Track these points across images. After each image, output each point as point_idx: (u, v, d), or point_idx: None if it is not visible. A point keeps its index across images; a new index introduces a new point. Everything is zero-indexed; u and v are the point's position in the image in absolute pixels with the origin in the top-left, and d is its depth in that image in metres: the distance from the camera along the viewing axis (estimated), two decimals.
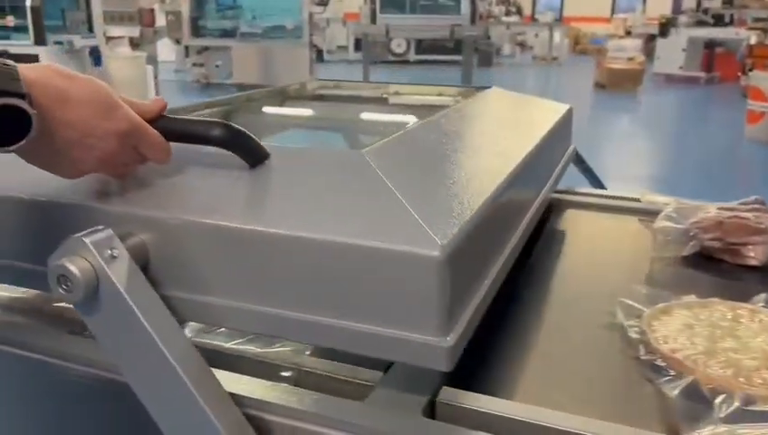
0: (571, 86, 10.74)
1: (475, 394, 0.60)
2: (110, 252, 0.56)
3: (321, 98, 1.36)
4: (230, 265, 0.59)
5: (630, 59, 9.67)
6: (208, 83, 9.05)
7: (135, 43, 7.68)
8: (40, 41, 6.27)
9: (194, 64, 9.17)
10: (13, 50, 5.95)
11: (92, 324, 0.57)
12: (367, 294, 0.55)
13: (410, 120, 0.88)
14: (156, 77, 7.70)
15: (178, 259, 0.60)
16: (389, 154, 0.70)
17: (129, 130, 0.60)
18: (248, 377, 0.63)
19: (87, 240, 0.55)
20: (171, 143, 0.64)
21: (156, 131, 0.63)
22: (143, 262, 0.60)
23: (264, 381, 0.62)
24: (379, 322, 0.55)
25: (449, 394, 0.60)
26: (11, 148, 0.54)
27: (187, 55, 9.44)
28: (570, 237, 1.11)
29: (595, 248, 1.08)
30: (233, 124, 0.65)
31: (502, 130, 1.03)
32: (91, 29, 6.74)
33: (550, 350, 0.74)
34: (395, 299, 0.54)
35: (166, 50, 9.80)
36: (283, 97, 1.31)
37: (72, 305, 0.56)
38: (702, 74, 10.36)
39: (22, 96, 0.52)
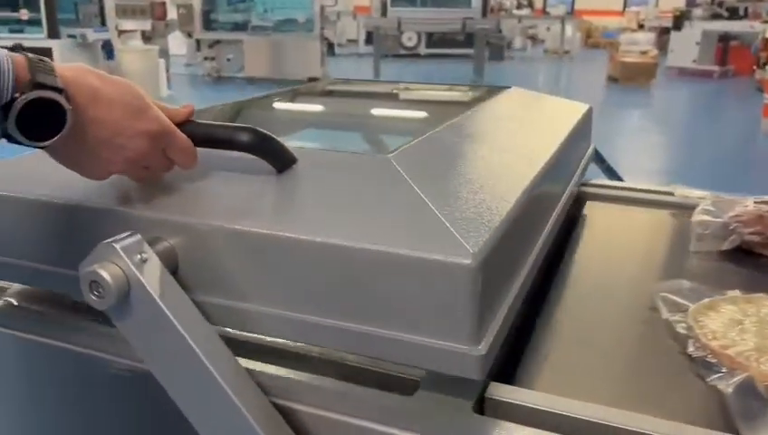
0: (584, 80, 10.66)
1: (525, 390, 0.59)
2: (140, 257, 0.56)
3: (342, 97, 1.35)
4: (260, 270, 0.58)
5: (643, 52, 9.57)
6: (219, 77, 9.06)
7: (147, 37, 7.70)
8: (53, 34, 6.31)
9: (205, 58, 9.17)
10: (26, 43, 5.98)
11: (125, 329, 0.57)
12: (397, 302, 0.54)
13: (434, 121, 0.87)
14: (167, 70, 7.72)
15: (208, 264, 0.60)
16: (416, 158, 0.70)
17: (159, 131, 0.60)
18: (290, 370, 0.62)
19: (117, 246, 0.55)
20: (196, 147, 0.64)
21: (184, 135, 0.63)
22: (172, 267, 0.60)
23: (307, 374, 0.61)
24: (409, 330, 0.54)
25: (498, 390, 0.59)
26: (44, 143, 0.54)
27: (198, 49, 9.44)
28: (601, 231, 1.10)
29: (627, 242, 1.06)
30: (260, 129, 0.65)
31: (525, 131, 1.02)
32: (103, 22, 6.78)
33: (591, 345, 0.72)
34: (426, 307, 0.53)
35: (177, 43, 9.83)
36: (302, 97, 1.31)
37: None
38: (716, 68, 10.25)
39: (59, 91, 0.52)
